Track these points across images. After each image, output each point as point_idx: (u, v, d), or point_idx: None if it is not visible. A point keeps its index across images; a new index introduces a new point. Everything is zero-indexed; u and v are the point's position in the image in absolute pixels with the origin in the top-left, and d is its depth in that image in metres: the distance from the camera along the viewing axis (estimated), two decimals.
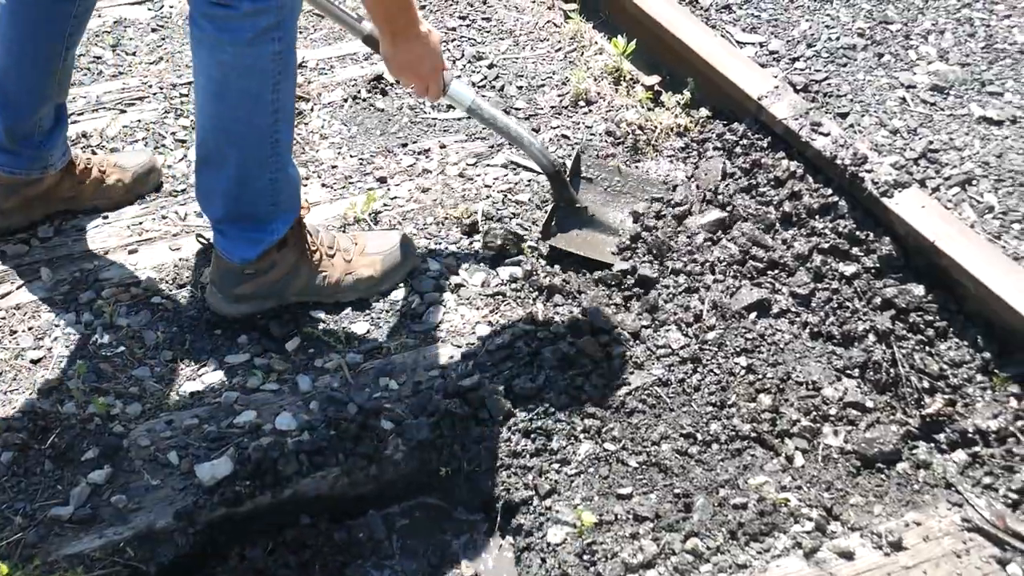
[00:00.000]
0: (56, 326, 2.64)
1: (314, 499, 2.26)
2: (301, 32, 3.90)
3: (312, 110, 3.48)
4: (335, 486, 2.28)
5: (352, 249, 2.72)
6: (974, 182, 2.99)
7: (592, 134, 3.31)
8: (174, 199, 3.07)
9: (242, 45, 2.22)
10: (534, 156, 2.86)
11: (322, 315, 2.69)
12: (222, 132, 2.37)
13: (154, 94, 3.55)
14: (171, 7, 4.06)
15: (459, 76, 3.26)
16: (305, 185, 3.11)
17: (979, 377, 2.47)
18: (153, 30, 3.92)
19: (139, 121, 3.41)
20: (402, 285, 2.76)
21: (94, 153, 3.18)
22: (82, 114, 3.43)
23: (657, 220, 2.90)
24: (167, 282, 2.78)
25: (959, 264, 2.56)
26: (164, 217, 3.00)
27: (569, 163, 2.99)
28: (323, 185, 3.14)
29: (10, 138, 2.71)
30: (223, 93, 2.30)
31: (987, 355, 2.49)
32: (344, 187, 3.14)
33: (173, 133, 3.35)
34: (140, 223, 2.98)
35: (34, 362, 2.55)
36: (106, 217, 2.98)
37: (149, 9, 4.05)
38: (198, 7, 2.22)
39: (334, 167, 3.22)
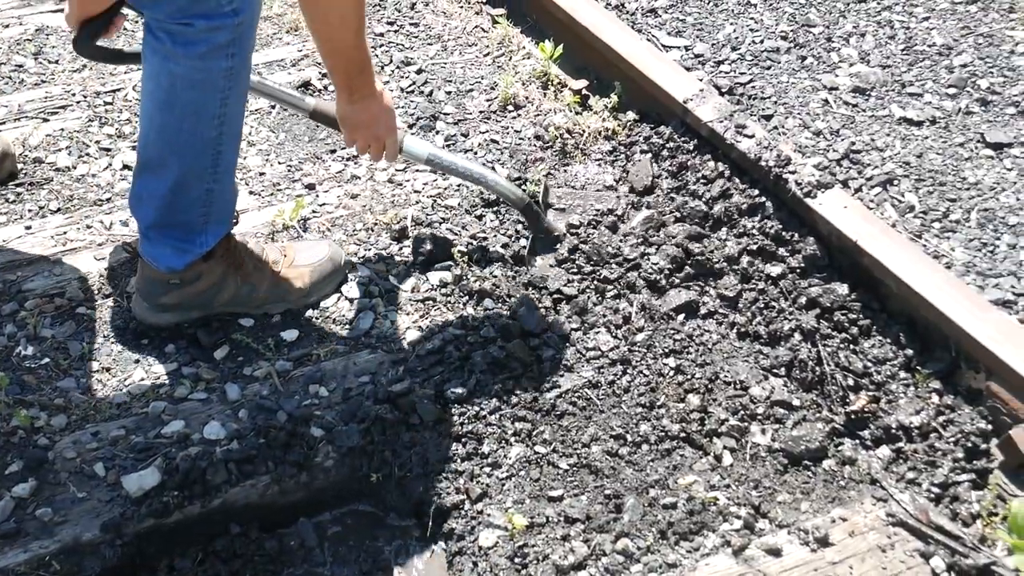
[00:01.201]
0: None
1: (244, 508, 2.25)
2: None
3: None
4: (265, 494, 2.26)
5: (281, 261, 2.71)
6: (895, 182, 3.04)
7: (521, 138, 3.32)
8: (99, 208, 3.03)
9: (194, 59, 2.20)
10: (502, 193, 2.87)
11: (251, 323, 2.67)
12: (166, 141, 2.35)
13: (78, 102, 3.51)
14: None
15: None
16: None
17: (902, 374, 2.51)
18: None
19: (63, 130, 3.36)
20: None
21: None
22: (3, 123, 3.38)
23: (592, 229, 2.92)
24: (92, 292, 2.74)
25: (881, 263, 2.60)
26: (89, 227, 2.96)
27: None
28: (251, 192, 3.12)
29: None
30: (171, 103, 2.29)
31: (909, 352, 2.53)
32: (272, 194, 3.12)
33: (98, 142, 3.31)
34: (64, 233, 2.94)
35: None
36: (29, 227, 2.94)
37: None
38: (156, 20, 2.20)
39: (262, 174, 3.20)
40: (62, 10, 4.03)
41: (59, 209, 3.03)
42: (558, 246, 2.88)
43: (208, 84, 2.26)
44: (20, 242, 2.90)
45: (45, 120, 3.41)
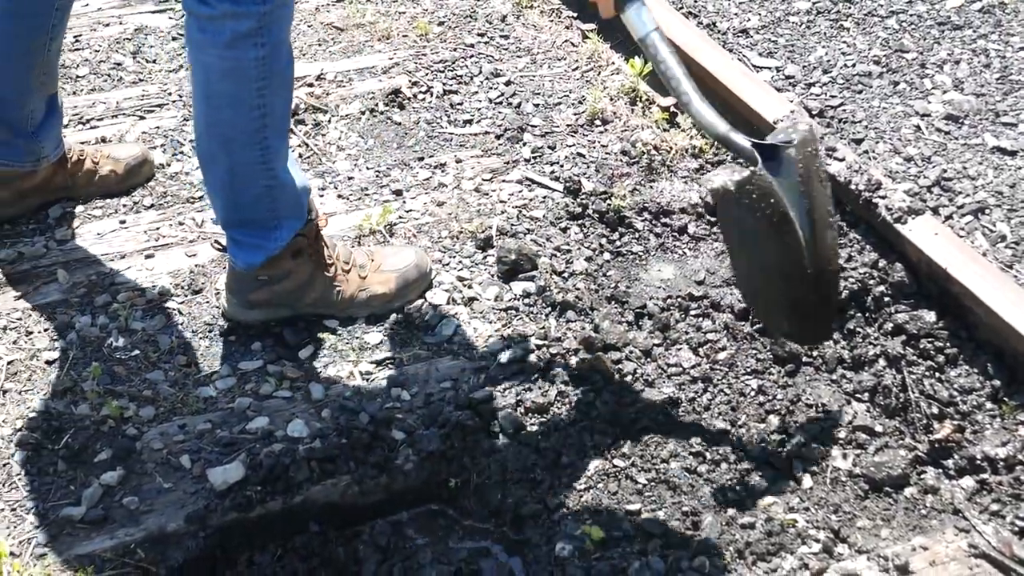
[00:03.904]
0: (71, 328, 2.66)
1: (324, 506, 2.28)
2: (320, 44, 3.93)
3: (329, 122, 3.51)
4: (345, 494, 2.29)
5: (368, 265, 2.74)
6: (987, 211, 3.01)
7: (607, 153, 3.32)
8: (191, 206, 3.09)
9: (221, 47, 2.24)
10: (699, 122, 2.35)
11: (336, 324, 2.70)
12: (212, 134, 2.39)
13: (173, 101, 3.58)
14: None
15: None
16: (321, 196, 3.13)
17: (988, 404, 2.48)
18: (173, 38, 3.96)
19: (158, 128, 3.43)
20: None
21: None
22: (101, 119, 3.46)
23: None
24: (182, 287, 2.80)
25: (971, 291, 2.57)
26: (181, 223, 3.02)
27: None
28: (339, 196, 3.16)
29: (3, 130, 2.74)
30: (208, 95, 2.33)
31: (997, 383, 2.50)
32: (360, 199, 3.16)
33: (191, 140, 3.37)
34: (157, 228, 3.00)
35: (49, 363, 2.57)
36: (123, 222, 3.01)
37: (170, 18, 4.09)
38: (186, 4, 2.25)
39: (350, 179, 3.24)
40: (161, 11, 4.12)
41: (152, 205, 3.10)
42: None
43: (240, 74, 2.28)
44: (114, 236, 2.96)
45: (141, 118, 3.49)
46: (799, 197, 2.22)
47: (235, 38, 2.23)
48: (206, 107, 2.38)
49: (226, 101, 2.34)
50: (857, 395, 2.55)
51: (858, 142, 3.30)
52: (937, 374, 2.55)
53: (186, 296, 2.78)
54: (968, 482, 2.37)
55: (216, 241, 2.79)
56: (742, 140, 2.27)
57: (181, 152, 3.33)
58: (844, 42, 3.88)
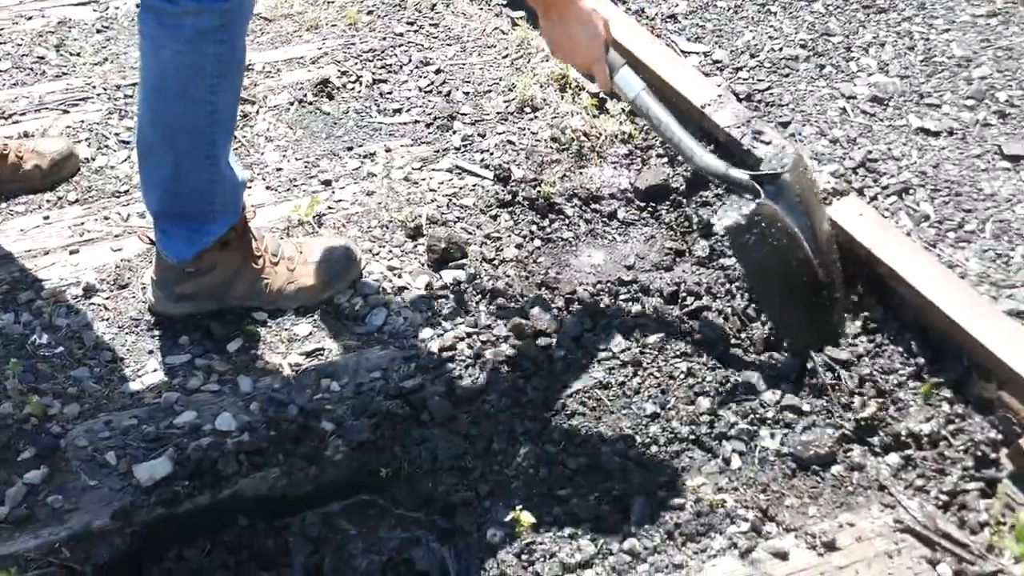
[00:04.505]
0: None
1: (253, 499, 2.26)
2: (248, 35, 3.88)
3: (258, 113, 3.48)
4: (274, 486, 2.27)
5: (296, 257, 2.72)
6: (911, 191, 3.04)
7: (537, 140, 3.33)
8: (117, 200, 3.06)
9: (181, 43, 2.21)
10: (702, 168, 2.54)
11: (265, 316, 2.68)
12: (159, 127, 2.37)
13: (98, 95, 3.54)
14: (116, 8, 4.05)
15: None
16: (249, 187, 3.10)
17: (913, 382, 2.51)
18: (98, 31, 3.91)
19: (82, 122, 3.39)
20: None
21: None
22: (24, 114, 3.42)
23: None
24: (108, 283, 2.77)
25: (895, 271, 2.60)
26: (106, 218, 2.99)
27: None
28: (267, 187, 3.14)
29: None
30: (161, 89, 2.30)
31: (921, 360, 2.53)
32: (289, 190, 3.13)
33: (117, 134, 3.34)
34: (82, 224, 2.96)
35: None
36: (47, 217, 2.97)
37: (94, 10, 4.04)
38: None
39: (279, 170, 3.22)
40: (85, 3, 4.06)
41: (77, 200, 3.06)
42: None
43: (196, 70, 2.26)
44: (38, 232, 2.92)
45: (65, 112, 3.45)
46: (800, 217, 2.47)
47: (196, 33, 2.21)
48: (156, 100, 2.35)
49: (179, 96, 2.32)
50: (785, 376, 2.57)
51: (784, 125, 3.33)
52: (863, 353, 2.58)
53: (112, 291, 2.75)
54: (893, 458, 2.39)
55: (144, 234, 2.76)
56: (742, 175, 2.48)
57: (106, 146, 3.29)
58: (771, 26, 3.91)
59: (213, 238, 2.52)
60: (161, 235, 2.54)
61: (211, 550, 2.19)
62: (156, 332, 2.64)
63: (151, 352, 2.59)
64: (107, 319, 2.67)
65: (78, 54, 3.77)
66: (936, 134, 3.30)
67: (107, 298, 2.72)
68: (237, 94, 2.42)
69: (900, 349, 2.56)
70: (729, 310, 2.71)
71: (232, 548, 2.20)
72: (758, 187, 2.44)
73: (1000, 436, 2.36)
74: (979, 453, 2.34)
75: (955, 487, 2.30)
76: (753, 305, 2.71)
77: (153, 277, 2.61)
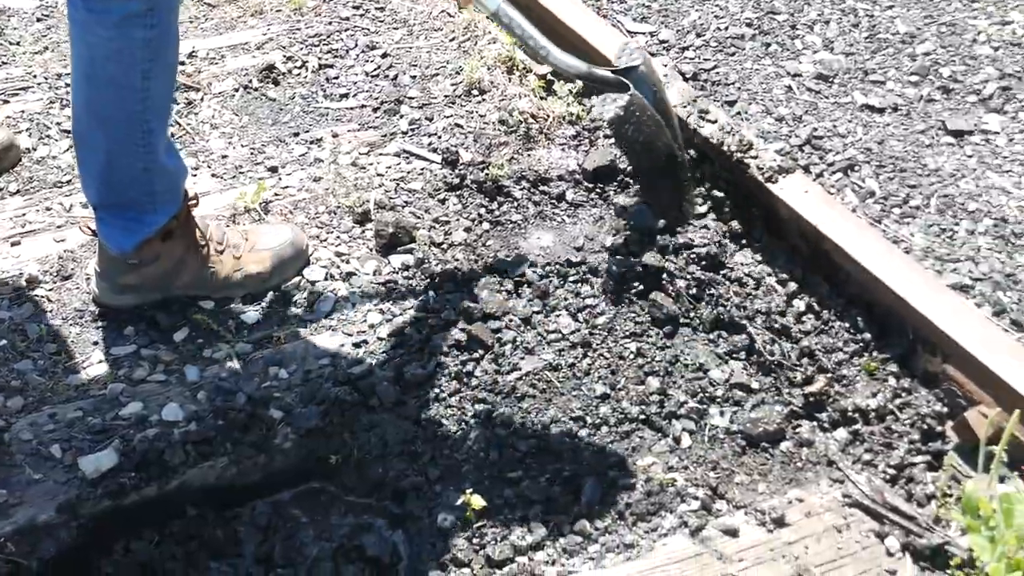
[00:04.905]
0: None
1: (201, 489, 2.24)
2: (192, 21, 3.86)
3: (202, 100, 3.44)
4: (223, 476, 2.26)
5: (242, 245, 2.69)
6: (856, 168, 3.06)
7: (485, 123, 3.32)
8: (59, 190, 3.02)
9: (109, 28, 2.17)
10: (558, 66, 2.76)
11: (211, 306, 2.66)
12: (91, 114, 2.33)
13: (39, 84, 3.48)
14: None
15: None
16: (195, 175, 3.08)
17: (859, 358, 2.53)
18: (38, 19, 3.85)
19: (23, 112, 3.34)
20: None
21: None
22: None
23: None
24: (51, 274, 2.73)
25: (841, 247, 2.62)
26: (48, 209, 2.95)
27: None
28: (213, 175, 3.11)
29: None
30: (91, 75, 2.27)
31: (867, 336, 2.55)
32: (234, 177, 3.11)
33: (58, 123, 3.29)
34: (24, 215, 2.92)
35: None
36: None
37: None
38: None
39: (224, 157, 3.19)
40: None
41: (19, 191, 3.01)
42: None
43: (126, 55, 2.22)
44: None
45: (5, 102, 3.39)
46: (656, 101, 2.76)
47: (124, 18, 2.16)
48: (87, 87, 2.31)
49: (110, 83, 2.27)
50: (734, 354, 2.59)
51: (731, 104, 3.34)
52: (810, 330, 2.59)
53: (55, 283, 2.71)
54: (841, 434, 2.42)
55: (86, 225, 2.73)
56: (605, 72, 2.75)
57: (48, 136, 3.25)
58: (717, 5, 3.92)
59: (154, 228, 2.49)
60: (102, 226, 2.50)
61: (160, 541, 2.17)
62: (101, 323, 2.61)
63: (96, 343, 2.56)
64: (51, 311, 2.63)
65: (18, 43, 3.71)
66: (881, 110, 3.32)
67: (50, 290, 2.69)
68: (172, 80, 2.39)
69: (846, 325, 2.58)
70: (679, 289, 2.71)
71: (181, 539, 2.17)
72: (626, 81, 2.70)
73: (945, 409, 2.39)
74: (925, 426, 2.37)
75: (902, 461, 2.33)
76: (702, 285, 2.72)
77: (96, 268, 2.58)
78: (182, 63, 3.57)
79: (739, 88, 3.43)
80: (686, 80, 3.39)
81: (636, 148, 2.75)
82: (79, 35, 2.24)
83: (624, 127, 2.69)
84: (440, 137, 3.25)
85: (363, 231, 2.90)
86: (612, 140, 3.14)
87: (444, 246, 2.84)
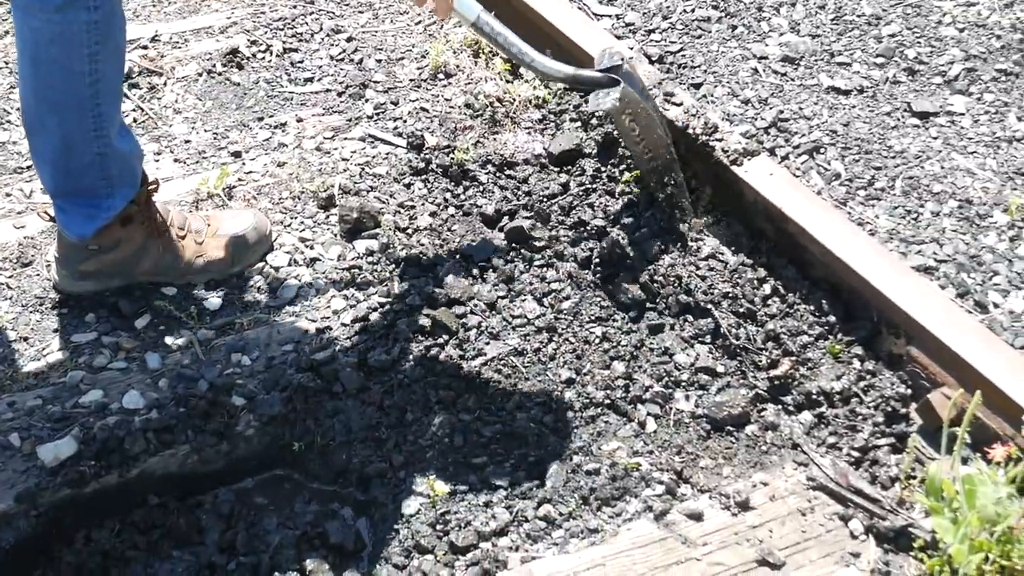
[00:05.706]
0: None
1: (163, 478, 2.23)
2: (155, 4, 3.82)
3: (165, 84, 3.41)
4: (184, 464, 2.24)
5: (205, 230, 2.67)
6: (822, 150, 3.06)
7: (451, 107, 3.30)
8: (19, 176, 2.98)
9: (51, 11, 2.14)
10: (545, 75, 2.73)
11: (174, 292, 2.63)
12: (41, 102, 2.30)
13: None
14: None
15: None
16: (157, 160, 3.05)
17: (824, 340, 2.53)
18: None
19: None
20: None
21: None
22: None
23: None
24: (11, 261, 2.70)
25: (805, 230, 2.61)
26: (8, 195, 2.92)
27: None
28: (176, 160, 3.08)
29: None
30: (36, 61, 2.23)
31: (832, 318, 2.55)
32: (197, 162, 3.08)
33: (18, 109, 3.24)
34: None
35: None
36: None
37: None
38: None
39: (187, 142, 3.16)
40: None
41: None
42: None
43: (70, 39, 2.19)
44: None
45: None
46: (645, 97, 2.77)
47: (66, 1, 2.14)
48: (34, 74, 2.27)
49: (56, 67, 2.24)
50: (699, 338, 2.58)
51: (697, 87, 3.34)
52: (776, 313, 2.59)
53: (15, 269, 2.68)
54: (806, 417, 2.42)
55: (45, 211, 2.70)
56: (593, 73, 2.76)
57: (7, 121, 3.21)
58: None
59: (112, 213, 2.46)
60: (60, 213, 2.47)
61: (121, 530, 2.15)
62: (61, 310, 2.58)
63: (56, 330, 2.53)
64: (10, 298, 2.60)
65: None
66: (847, 92, 3.32)
67: (10, 276, 2.66)
68: (121, 63, 2.35)
69: (812, 308, 2.58)
70: (645, 275, 2.71)
71: (143, 528, 2.16)
72: (616, 77, 2.71)
73: (909, 392, 2.39)
74: (889, 409, 2.38)
75: (866, 443, 2.33)
76: (668, 268, 2.71)
77: (56, 255, 2.55)
78: (144, 47, 3.54)
79: (705, 71, 3.42)
80: (652, 63, 3.38)
81: (637, 136, 2.76)
82: (21, 18, 2.20)
83: (623, 116, 2.71)
84: (405, 121, 3.23)
85: (327, 216, 2.88)
86: (579, 124, 3.13)
87: (409, 231, 2.82)
